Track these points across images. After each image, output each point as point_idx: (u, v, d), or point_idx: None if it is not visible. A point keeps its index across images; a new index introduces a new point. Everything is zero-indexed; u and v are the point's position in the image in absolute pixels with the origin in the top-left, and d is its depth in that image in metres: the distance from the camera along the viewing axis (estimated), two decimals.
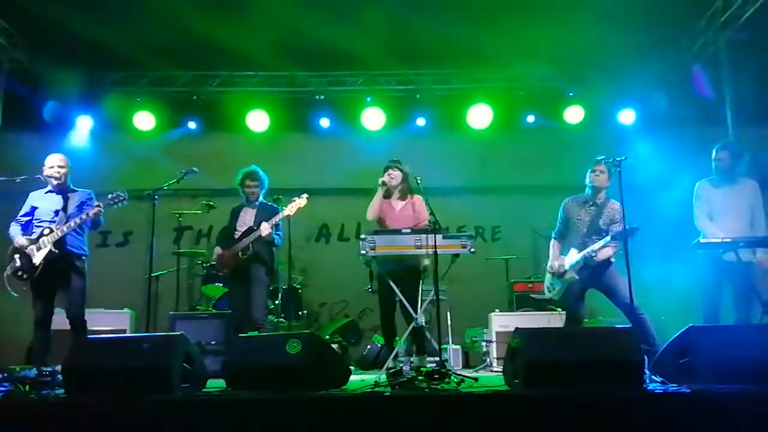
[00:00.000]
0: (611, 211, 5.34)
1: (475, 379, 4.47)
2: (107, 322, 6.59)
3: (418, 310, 5.11)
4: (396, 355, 5.18)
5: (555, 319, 6.53)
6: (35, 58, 7.80)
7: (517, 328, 4.07)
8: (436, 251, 4.86)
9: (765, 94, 7.41)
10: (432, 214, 5.08)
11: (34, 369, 4.75)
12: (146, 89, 8.53)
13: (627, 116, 8.52)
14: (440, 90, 8.63)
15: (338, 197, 8.56)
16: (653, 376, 3.93)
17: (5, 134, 7.72)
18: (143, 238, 7.40)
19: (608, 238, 5.14)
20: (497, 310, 7.00)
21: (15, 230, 5.17)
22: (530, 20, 7.07)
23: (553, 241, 5.60)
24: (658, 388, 3.69)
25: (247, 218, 5.84)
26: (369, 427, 3.39)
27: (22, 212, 5.26)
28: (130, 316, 6.93)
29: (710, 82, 7.66)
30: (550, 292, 5.51)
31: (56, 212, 5.19)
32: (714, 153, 5.53)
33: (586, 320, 5.60)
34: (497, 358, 6.54)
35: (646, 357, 3.90)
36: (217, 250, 5.86)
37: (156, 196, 5.36)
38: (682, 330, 4.00)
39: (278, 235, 5.80)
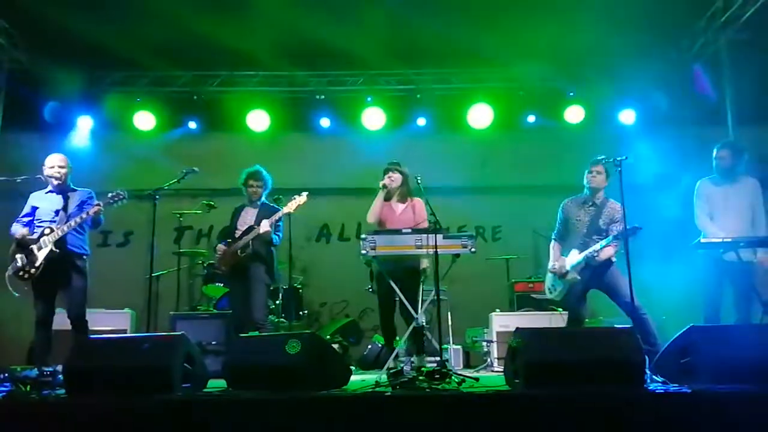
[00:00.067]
0: (611, 210, 5.34)
1: (476, 379, 4.47)
2: (108, 322, 6.59)
3: (419, 310, 5.11)
4: (396, 356, 5.18)
5: (556, 319, 6.53)
6: (35, 58, 7.81)
7: (517, 328, 4.07)
8: (436, 251, 4.86)
9: (765, 94, 7.40)
10: (432, 214, 5.08)
11: (35, 369, 4.74)
12: (146, 89, 8.54)
13: (627, 116, 8.53)
14: (440, 90, 8.63)
15: (338, 197, 8.56)
16: (654, 376, 3.93)
17: (6, 134, 7.72)
18: (144, 238, 7.40)
19: (610, 237, 5.14)
20: (498, 310, 7.00)
21: (16, 227, 5.17)
22: (530, 20, 7.07)
23: (553, 242, 5.60)
24: (659, 388, 3.69)
25: (248, 218, 5.84)
26: (370, 428, 3.39)
27: (23, 213, 5.26)
28: (130, 316, 6.93)
29: (710, 82, 7.66)
30: (551, 293, 5.51)
31: (57, 212, 5.19)
32: (715, 152, 5.53)
33: (586, 320, 5.60)
34: (498, 358, 6.54)
35: (647, 357, 3.90)
36: (220, 246, 5.86)
37: (156, 196, 5.36)
38: (683, 330, 4.00)
39: (277, 234, 5.79)
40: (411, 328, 5.09)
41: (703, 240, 5.17)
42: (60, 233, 5.03)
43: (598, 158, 5.30)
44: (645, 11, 7.05)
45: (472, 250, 5.02)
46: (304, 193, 5.77)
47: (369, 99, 8.58)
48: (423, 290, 5.31)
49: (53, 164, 5.27)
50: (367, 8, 6.96)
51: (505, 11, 7.03)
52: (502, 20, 7.12)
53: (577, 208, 5.47)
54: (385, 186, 5.52)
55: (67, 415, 3.51)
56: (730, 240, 5.07)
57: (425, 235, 4.97)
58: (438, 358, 4.71)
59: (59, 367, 4.27)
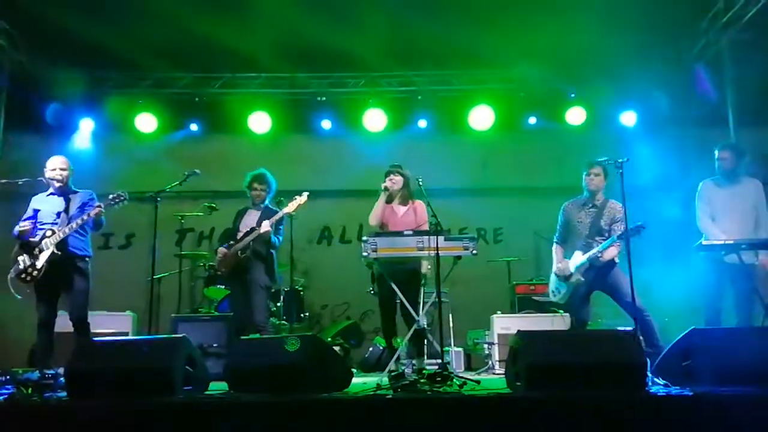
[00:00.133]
0: (612, 210, 5.34)
1: (477, 381, 4.46)
2: (109, 324, 6.58)
3: (420, 313, 5.11)
4: (398, 358, 5.18)
5: (557, 321, 6.53)
6: (36, 59, 7.80)
7: (519, 331, 4.07)
8: (438, 253, 4.86)
9: (767, 94, 7.41)
10: (434, 216, 5.08)
11: (37, 371, 4.76)
12: (148, 91, 8.54)
13: (628, 118, 8.53)
14: (441, 91, 8.63)
15: (340, 199, 8.57)
16: (656, 379, 3.93)
17: (7, 136, 7.73)
18: (145, 241, 7.39)
19: (614, 237, 5.14)
20: (499, 312, 6.99)
21: (18, 228, 5.18)
22: (531, 22, 7.07)
23: (555, 245, 5.59)
24: (660, 390, 3.69)
25: (250, 220, 5.83)
26: (371, 430, 3.39)
27: (24, 216, 5.26)
28: (132, 318, 6.93)
29: (712, 83, 7.65)
30: (555, 296, 5.50)
31: (58, 214, 5.19)
32: (717, 153, 5.52)
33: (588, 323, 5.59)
34: (499, 361, 6.53)
35: (648, 359, 3.90)
36: (221, 249, 5.86)
37: (158, 198, 5.37)
38: (685, 332, 4.00)
39: (278, 237, 5.79)
40: (412, 330, 5.09)
41: (704, 242, 5.17)
42: (61, 235, 5.04)
43: (595, 160, 5.31)
44: (646, 12, 7.04)
45: (474, 252, 5.02)
46: (305, 193, 5.76)
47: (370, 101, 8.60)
48: (424, 292, 5.31)
49: (55, 166, 5.27)
50: (368, 10, 6.96)
51: (505, 13, 7.02)
52: (503, 22, 7.12)
53: (578, 210, 5.47)
54: (386, 188, 5.52)
55: (68, 418, 3.52)
56: (731, 242, 5.06)
57: (426, 237, 4.97)
58: (439, 361, 4.70)
59: (61, 370, 4.28)
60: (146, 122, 8.55)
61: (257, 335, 5.31)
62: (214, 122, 8.74)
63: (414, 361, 5.28)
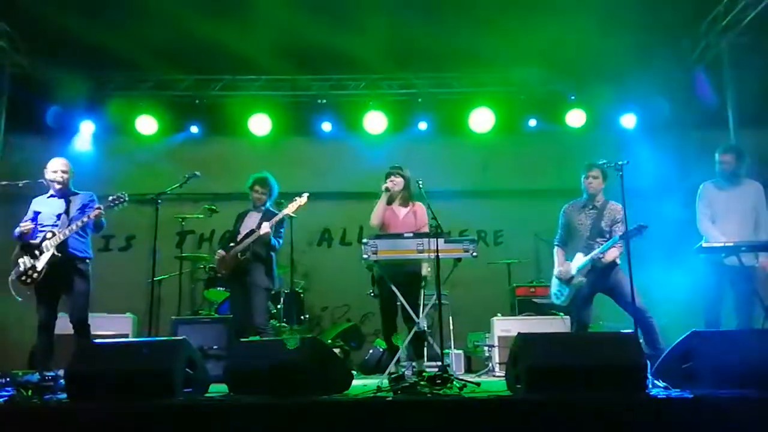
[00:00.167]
0: (612, 212, 5.34)
1: (478, 384, 4.46)
2: (109, 326, 6.59)
3: (420, 315, 5.11)
4: (398, 360, 5.18)
5: (557, 324, 6.53)
6: (37, 61, 7.83)
7: (519, 333, 4.07)
8: (438, 255, 4.86)
9: (767, 97, 7.41)
10: (434, 218, 5.08)
11: (37, 373, 4.76)
12: (148, 93, 8.55)
13: (629, 120, 8.53)
14: (442, 94, 8.64)
15: (340, 201, 8.57)
16: (656, 381, 3.93)
17: (8, 138, 7.74)
18: (146, 243, 7.38)
19: (616, 237, 5.15)
20: (499, 315, 6.99)
21: (18, 229, 5.18)
22: (531, 24, 7.07)
23: (556, 248, 5.59)
24: (660, 393, 3.68)
25: (250, 222, 5.84)
26: None
27: (25, 218, 5.26)
28: (132, 320, 6.94)
29: (712, 85, 7.66)
30: (558, 299, 5.49)
31: (58, 216, 5.20)
32: (718, 156, 5.52)
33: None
34: (499, 363, 6.52)
35: (649, 362, 3.89)
36: (220, 252, 5.87)
37: (158, 201, 5.38)
38: (685, 335, 4.00)
39: (278, 240, 5.79)
40: (412, 332, 5.09)
41: (704, 244, 5.17)
42: (62, 237, 5.04)
43: (594, 162, 5.32)
44: (646, 15, 7.06)
45: (474, 254, 5.02)
46: (305, 194, 5.77)
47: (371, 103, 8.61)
48: (424, 294, 5.31)
49: (56, 168, 5.28)
50: (369, 13, 6.97)
51: (506, 15, 7.03)
52: (504, 24, 7.12)
53: (578, 212, 5.47)
54: (387, 189, 5.52)
55: (68, 420, 3.52)
56: (731, 244, 5.06)
57: (427, 239, 4.97)
58: (439, 363, 4.70)
59: (61, 372, 4.28)
60: (147, 124, 8.55)
61: (257, 337, 5.32)
62: (214, 124, 8.75)
63: (414, 364, 5.29)
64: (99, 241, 8.29)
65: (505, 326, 6.74)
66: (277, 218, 5.67)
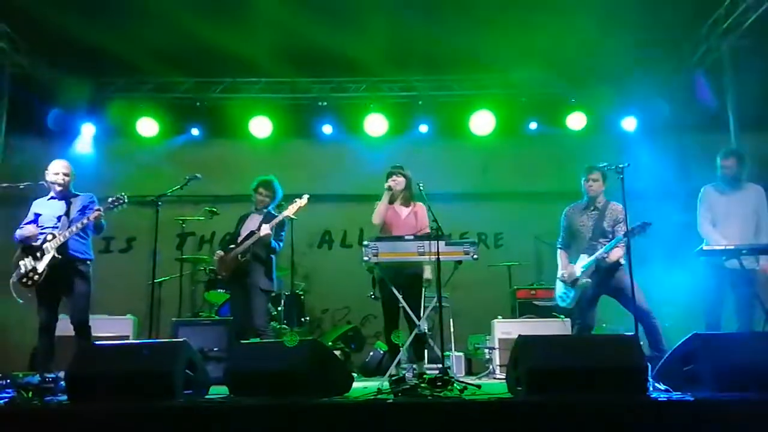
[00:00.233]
0: (613, 212, 5.36)
1: (478, 386, 4.45)
2: (110, 328, 6.58)
3: (421, 317, 5.11)
4: (398, 362, 5.17)
5: (558, 326, 6.52)
6: (38, 63, 7.83)
7: (519, 335, 4.06)
8: (438, 258, 4.86)
9: (767, 100, 7.42)
10: (435, 220, 5.09)
11: (38, 375, 4.75)
12: (149, 95, 8.57)
13: (629, 123, 8.54)
14: (442, 96, 8.64)
15: (341, 203, 8.58)
16: (657, 384, 3.92)
17: (9, 139, 7.74)
18: (146, 245, 7.40)
19: (619, 237, 5.15)
20: (500, 317, 6.99)
21: (21, 231, 5.18)
22: (532, 27, 7.09)
23: (559, 251, 5.60)
24: (661, 395, 3.68)
25: (251, 224, 5.84)
26: None
27: (26, 220, 5.27)
28: (132, 322, 6.93)
29: (712, 88, 7.66)
30: (563, 301, 5.48)
31: (59, 218, 5.21)
32: (719, 160, 5.53)
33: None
34: (500, 365, 6.52)
35: (651, 363, 3.89)
36: (218, 253, 5.87)
37: (159, 203, 5.38)
38: (686, 337, 4.00)
39: (278, 242, 5.79)
40: (413, 335, 5.09)
41: (705, 247, 5.17)
42: (62, 239, 5.05)
43: (594, 165, 5.32)
44: (647, 18, 7.07)
45: (474, 256, 5.02)
46: (305, 196, 5.77)
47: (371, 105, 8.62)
48: (425, 297, 5.31)
49: (57, 170, 5.29)
50: (370, 15, 6.99)
51: (506, 18, 7.05)
52: (504, 27, 7.14)
53: (580, 214, 5.48)
54: (390, 188, 5.52)
55: (69, 422, 3.51)
56: (732, 247, 5.06)
57: (427, 241, 4.97)
58: (440, 365, 4.69)
59: (62, 373, 4.27)
60: (147, 127, 8.56)
61: (257, 339, 5.31)
62: (215, 127, 8.75)
63: (415, 366, 5.28)
64: (99, 243, 8.29)
65: (506, 328, 6.73)
66: (277, 220, 5.67)
